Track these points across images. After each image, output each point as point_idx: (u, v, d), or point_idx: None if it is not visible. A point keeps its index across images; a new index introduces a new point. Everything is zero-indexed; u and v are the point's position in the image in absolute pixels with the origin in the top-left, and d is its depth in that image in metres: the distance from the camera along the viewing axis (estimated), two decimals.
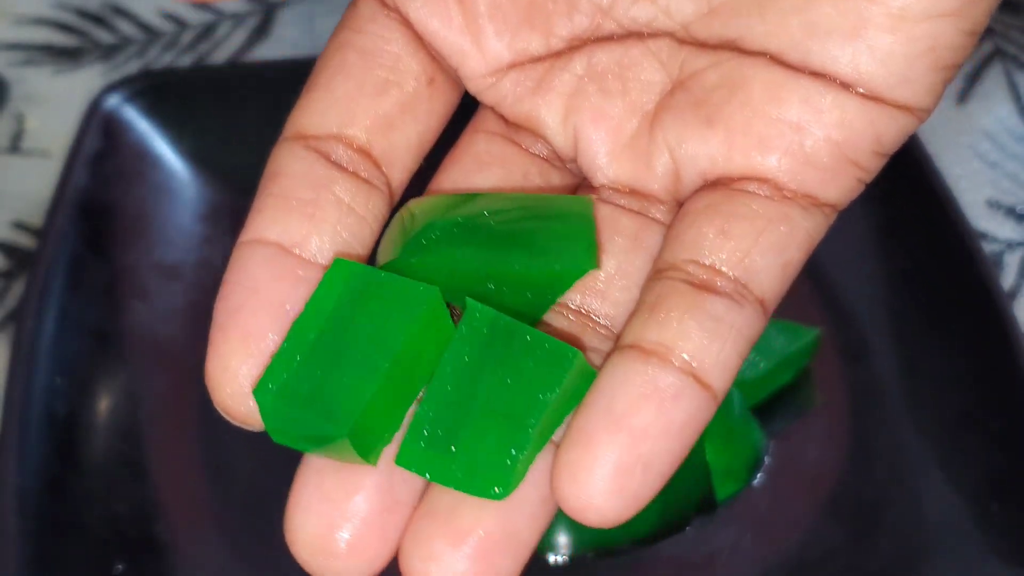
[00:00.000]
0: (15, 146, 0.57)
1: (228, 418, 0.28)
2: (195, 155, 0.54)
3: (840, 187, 0.30)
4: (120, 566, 0.43)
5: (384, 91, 0.30)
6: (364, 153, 0.30)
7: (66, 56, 0.61)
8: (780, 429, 0.47)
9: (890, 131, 0.29)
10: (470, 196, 0.31)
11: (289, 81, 0.56)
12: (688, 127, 0.30)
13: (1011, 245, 0.53)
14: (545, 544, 0.44)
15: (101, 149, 0.53)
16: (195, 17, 0.63)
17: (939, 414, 0.47)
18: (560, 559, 0.44)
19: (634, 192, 0.31)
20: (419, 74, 0.31)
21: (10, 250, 0.53)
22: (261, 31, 0.62)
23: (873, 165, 0.30)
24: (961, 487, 0.45)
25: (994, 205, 0.55)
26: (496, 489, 0.26)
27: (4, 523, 0.42)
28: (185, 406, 0.48)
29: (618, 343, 0.28)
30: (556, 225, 0.30)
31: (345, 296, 0.28)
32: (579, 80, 0.31)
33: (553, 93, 0.31)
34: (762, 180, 0.29)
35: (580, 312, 0.30)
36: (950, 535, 0.44)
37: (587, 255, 0.29)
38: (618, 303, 0.30)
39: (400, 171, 0.31)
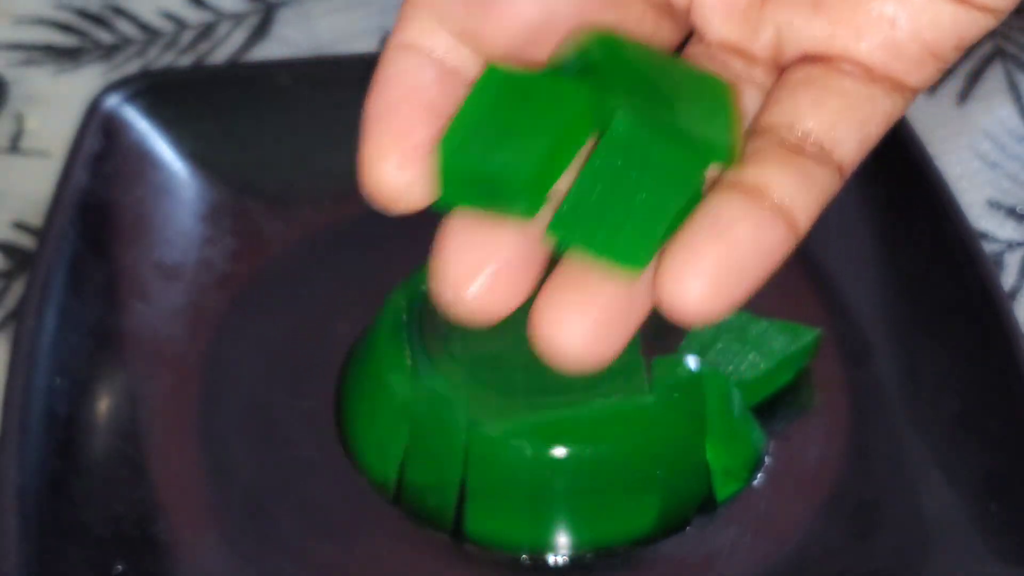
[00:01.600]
0: (15, 146, 0.57)
1: (377, 203, 0.32)
2: (195, 155, 0.54)
3: (922, 75, 0.34)
4: (120, 566, 0.43)
5: None
6: None
7: (66, 56, 0.61)
8: (780, 429, 0.47)
9: (971, 30, 0.34)
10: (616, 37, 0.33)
11: (289, 81, 0.57)
12: (796, 9, 0.34)
13: (1011, 245, 0.53)
14: (545, 544, 0.44)
15: (101, 149, 0.53)
16: (195, 17, 0.63)
17: (939, 414, 0.47)
18: (560, 559, 0.44)
19: (738, 51, 0.34)
20: None
21: (10, 250, 0.53)
22: (261, 31, 0.62)
23: (953, 58, 0.34)
24: (961, 487, 0.45)
25: (994, 205, 0.55)
26: (631, 264, 0.30)
27: (4, 523, 0.42)
28: (185, 406, 0.48)
29: (717, 181, 0.32)
30: (701, 103, 0.32)
31: (503, 92, 0.31)
32: None
33: None
34: (855, 63, 0.33)
35: None
36: (950, 535, 0.44)
37: (727, 146, 0.32)
38: None
39: None
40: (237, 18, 0.63)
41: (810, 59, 0.34)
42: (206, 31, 0.62)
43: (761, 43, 0.34)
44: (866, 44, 0.33)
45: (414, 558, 0.44)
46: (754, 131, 0.33)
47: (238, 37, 0.62)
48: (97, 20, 0.63)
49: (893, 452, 0.46)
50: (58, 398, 0.46)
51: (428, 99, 0.32)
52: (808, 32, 0.34)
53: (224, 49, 0.61)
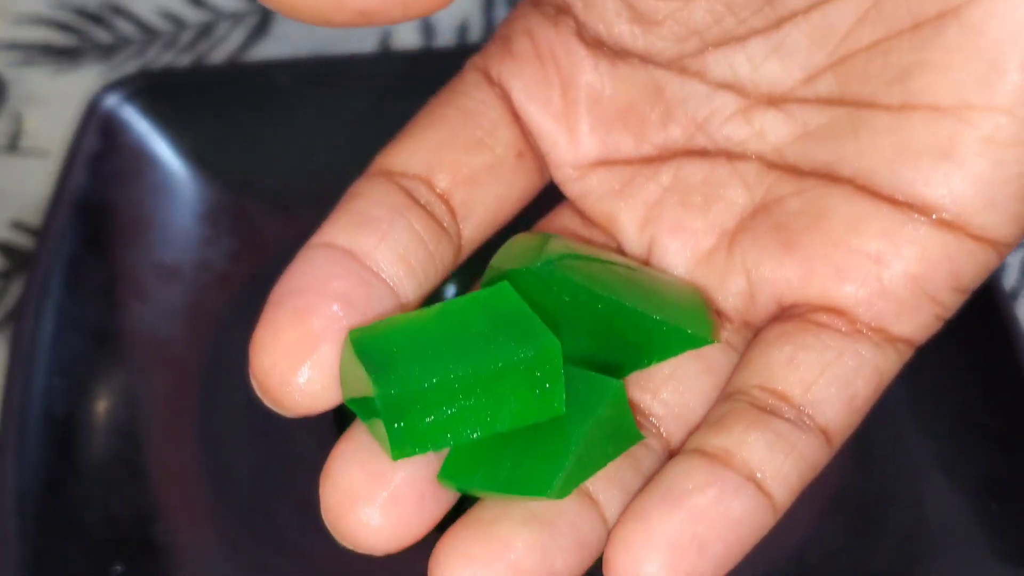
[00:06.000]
0: (13, 146, 0.57)
1: (262, 395, 0.28)
2: (194, 155, 0.54)
3: (916, 322, 0.30)
4: (119, 567, 0.43)
5: (475, 149, 0.31)
6: (444, 199, 0.30)
7: (65, 56, 0.61)
8: None
9: (968, 267, 0.29)
10: (579, 248, 0.30)
11: (288, 80, 0.57)
12: (766, 250, 0.30)
13: None
14: None
15: (100, 149, 0.53)
16: (194, 16, 0.63)
17: (940, 414, 0.47)
18: None
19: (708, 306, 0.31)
20: (510, 144, 0.31)
21: (8, 250, 0.53)
22: (260, 30, 0.62)
23: (951, 301, 0.30)
24: (962, 487, 0.45)
25: None
26: (540, 493, 0.26)
27: (2, 524, 0.42)
28: (184, 407, 0.48)
29: (680, 450, 0.29)
30: (671, 294, 0.30)
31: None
32: (663, 191, 0.31)
33: (636, 199, 0.31)
34: (836, 312, 0.30)
35: (631, 401, 0.30)
36: (951, 535, 0.44)
37: (706, 326, 0.29)
38: (667, 404, 0.30)
39: (474, 228, 0.31)
40: (236, 17, 0.63)
41: (786, 312, 0.30)
42: (205, 30, 0.62)
43: (730, 294, 0.31)
44: (847, 286, 0.29)
45: (414, 558, 0.44)
46: (723, 397, 0.29)
47: (237, 36, 0.62)
48: (96, 19, 0.63)
49: (894, 452, 0.46)
50: (57, 398, 0.46)
51: (340, 290, 0.28)
52: (781, 275, 0.30)
53: (223, 48, 0.61)
